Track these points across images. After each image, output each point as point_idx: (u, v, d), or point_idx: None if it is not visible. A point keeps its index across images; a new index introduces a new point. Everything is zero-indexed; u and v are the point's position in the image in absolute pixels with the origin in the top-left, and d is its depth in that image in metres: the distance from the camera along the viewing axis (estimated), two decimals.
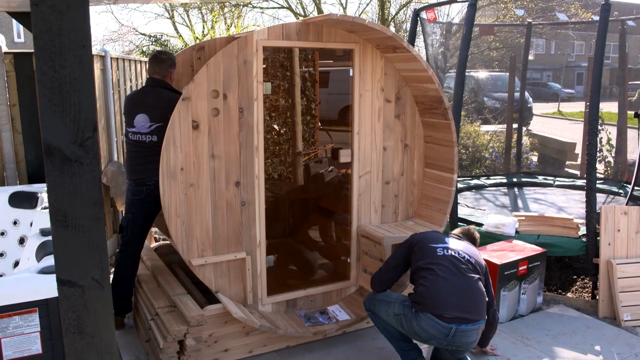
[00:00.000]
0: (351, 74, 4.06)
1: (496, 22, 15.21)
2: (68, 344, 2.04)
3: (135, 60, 7.16)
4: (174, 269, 4.43)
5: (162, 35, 16.91)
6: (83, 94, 1.87)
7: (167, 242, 5.12)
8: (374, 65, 4.07)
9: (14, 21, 34.19)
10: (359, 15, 16.56)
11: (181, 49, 16.14)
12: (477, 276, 3.32)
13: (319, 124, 6.51)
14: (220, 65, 3.50)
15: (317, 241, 5.31)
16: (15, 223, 4.29)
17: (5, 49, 5.01)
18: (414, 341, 3.53)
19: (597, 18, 5.16)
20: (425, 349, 3.80)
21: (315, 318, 4.04)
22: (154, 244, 5.09)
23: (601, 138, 7.99)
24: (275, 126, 6.14)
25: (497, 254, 4.50)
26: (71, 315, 1.99)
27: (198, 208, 3.54)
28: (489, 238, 4.99)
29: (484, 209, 6.30)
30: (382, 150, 4.24)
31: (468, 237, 3.77)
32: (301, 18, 14.02)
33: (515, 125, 8.81)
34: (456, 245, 3.47)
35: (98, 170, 1.90)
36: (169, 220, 3.45)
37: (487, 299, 3.34)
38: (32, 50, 5.20)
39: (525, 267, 4.49)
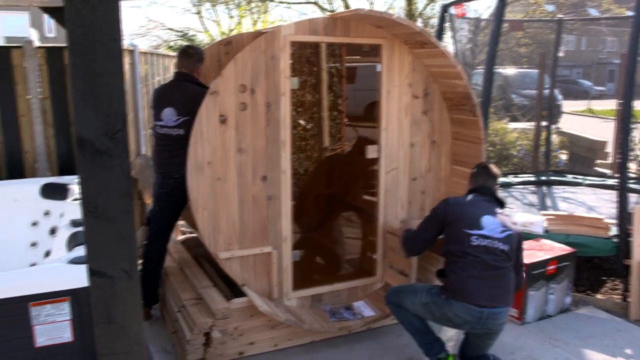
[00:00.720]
0: (378, 69, 4.04)
1: (525, 18, 14.98)
2: (98, 334, 2.07)
3: (163, 55, 7.24)
4: (201, 262, 4.47)
5: (189, 31, 17.03)
6: (114, 88, 1.89)
7: (193, 235, 5.17)
8: (401, 60, 4.04)
9: (45, 16, 34.91)
10: (387, 10, 16.46)
11: (208, 44, 16.22)
12: (509, 264, 3.34)
13: (346, 120, 6.50)
14: (248, 60, 3.52)
15: (343, 236, 5.30)
16: (46, 214, 4.38)
17: (37, 44, 5.11)
18: (437, 334, 3.54)
19: (631, 13, 5.03)
20: (451, 348, 3.77)
21: (340, 313, 4.04)
22: (180, 237, 5.14)
23: (634, 136, 7.81)
24: (302, 121, 6.15)
25: (525, 253, 4.43)
26: (101, 305, 2.02)
27: (225, 202, 3.56)
28: None
29: (512, 207, 6.22)
30: (410, 146, 4.21)
31: (491, 178, 3.60)
32: (328, 13, 13.97)
33: (544, 123, 8.67)
34: (491, 227, 3.33)
35: (127, 162, 1.92)
36: (196, 214, 3.48)
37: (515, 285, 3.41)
38: (64, 45, 5.30)
39: (554, 266, 4.42)
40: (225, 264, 3.66)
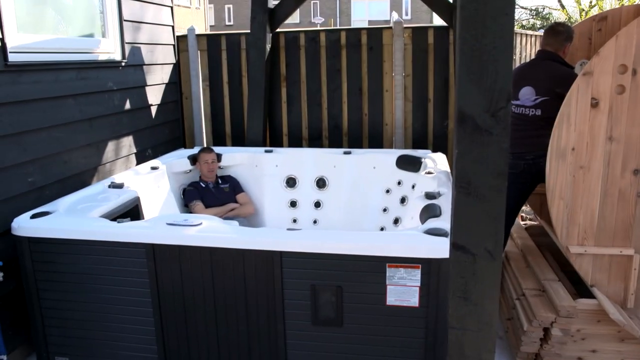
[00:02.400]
0: None
1: None
2: (452, 307, 2.11)
3: (516, 33, 7.02)
4: (542, 253, 4.24)
5: (543, 8, 16.16)
6: (501, 64, 1.85)
7: (536, 222, 4.94)
8: None
9: (404, 0, 37.75)
10: None
11: (564, 22, 15.14)
12: None
13: None
14: (632, 37, 3.09)
15: None
16: (399, 183, 4.70)
17: (403, 25, 5.46)
18: None
19: None
20: None
21: None
22: (522, 222, 4.97)
23: None
24: None
25: None
26: (460, 280, 2.05)
27: (585, 193, 3.26)
28: None
29: None
30: None
31: None
32: None
33: None
34: None
35: (506, 141, 1.87)
36: (551, 202, 3.28)
37: None
38: (429, 25, 5.56)
39: None
40: (576, 259, 3.37)
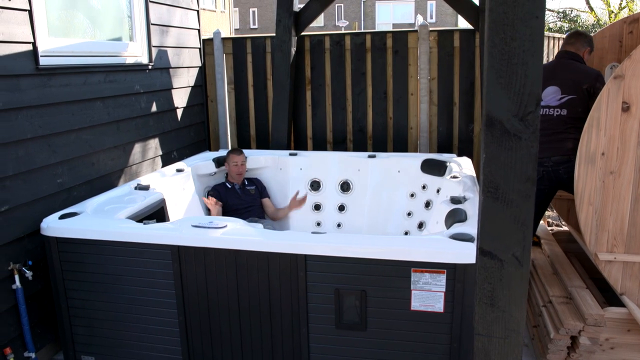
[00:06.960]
0: None
1: None
2: (479, 313, 2.09)
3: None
4: (570, 259, 4.16)
5: (571, 11, 15.93)
6: (530, 67, 1.83)
7: (563, 228, 4.86)
8: None
9: (429, 3, 37.58)
10: None
11: (592, 25, 14.96)
12: None
13: None
14: None
15: None
16: (424, 187, 4.67)
17: (429, 28, 5.42)
18: None
19: None
20: None
21: None
22: (549, 228, 4.89)
23: None
24: None
25: None
26: (487, 286, 2.03)
27: (615, 199, 3.20)
28: None
29: None
30: None
31: None
32: None
33: None
34: None
35: (535, 146, 1.84)
36: (579, 207, 3.22)
37: None
38: (455, 28, 5.51)
39: None
40: (605, 266, 3.31)
